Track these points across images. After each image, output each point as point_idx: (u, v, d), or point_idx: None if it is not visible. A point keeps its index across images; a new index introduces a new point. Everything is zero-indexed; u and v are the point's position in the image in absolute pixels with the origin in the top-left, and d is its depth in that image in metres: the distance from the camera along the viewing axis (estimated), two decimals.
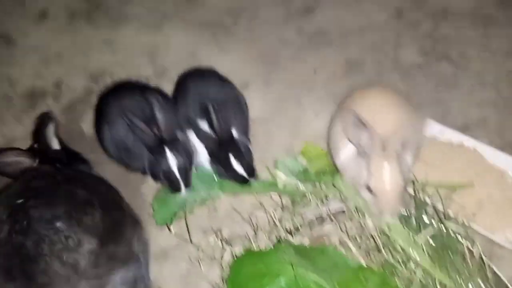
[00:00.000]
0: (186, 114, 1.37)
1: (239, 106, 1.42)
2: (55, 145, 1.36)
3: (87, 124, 1.62)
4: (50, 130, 1.36)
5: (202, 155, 1.34)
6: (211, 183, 1.38)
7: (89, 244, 0.98)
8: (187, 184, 1.31)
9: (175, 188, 1.31)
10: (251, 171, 1.30)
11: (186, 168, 1.31)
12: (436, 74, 1.64)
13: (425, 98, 1.56)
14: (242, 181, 1.30)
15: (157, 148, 1.27)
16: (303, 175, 1.36)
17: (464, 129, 1.44)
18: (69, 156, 1.39)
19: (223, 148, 1.27)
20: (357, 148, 1.13)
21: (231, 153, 1.26)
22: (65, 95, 1.71)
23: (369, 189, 1.11)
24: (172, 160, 1.28)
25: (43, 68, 1.80)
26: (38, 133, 1.34)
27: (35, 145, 1.33)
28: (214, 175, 1.38)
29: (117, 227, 1.07)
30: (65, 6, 2.02)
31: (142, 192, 1.45)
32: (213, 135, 1.28)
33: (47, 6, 2.02)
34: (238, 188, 1.34)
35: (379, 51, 1.75)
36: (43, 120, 1.38)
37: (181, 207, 1.34)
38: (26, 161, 1.23)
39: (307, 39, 1.83)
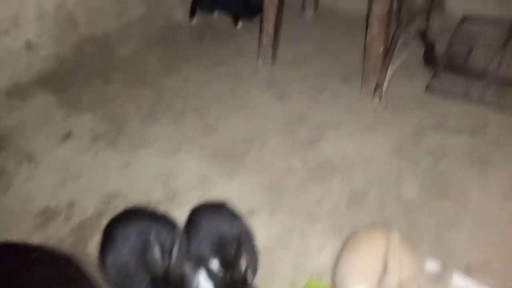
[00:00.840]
0: (198, 251, 1.39)
1: (250, 243, 1.44)
2: None
3: (93, 246, 1.64)
4: None
5: None
6: None
7: None
8: None
9: None
10: None
11: None
12: (437, 212, 1.68)
13: (427, 237, 1.58)
14: None
15: (160, 282, 1.28)
16: None
17: (467, 271, 1.43)
18: None
19: None
20: None
21: None
22: (76, 216, 1.76)
23: None
24: None
25: (59, 187, 1.88)
26: None
27: None
28: None
29: None
30: (90, 128, 2.19)
31: None
32: (226, 276, 1.28)
33: (73, 128, 2.20)
34: None
35: (381, 184, 1.82)
36: None
37: None
38: None
39: (312, 169, 1.92)
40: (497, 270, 1.46)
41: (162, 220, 1.48)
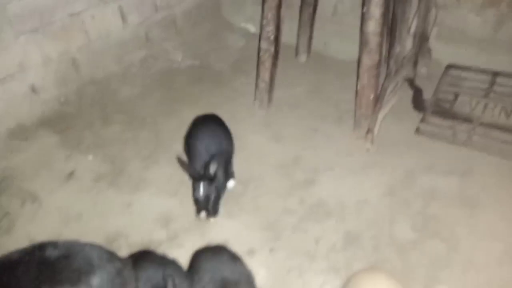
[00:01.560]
0: None
1: (251, 285, 1.48)
2: None
3: None
4: None
5: None
6: None
7: None
8: None
9: None
10: None
11: None
12: (429, 252, 1.74)
13: (420, 276, 1.64)
14: None
15: None
16: None
17: None
18: None
19: None
20: None
21: None
22: None
23: None
24: None
25: (62, 228, 1.92)
26: None
27: None
28: None
29: None
30: (92, 169, 2.25)
31: None
32: None
33: (76, 168, 2.26)
34: None
35: (375, 225, 1.89)
36: None
37: None
38: None
39: (308, 209, 1.99)
40: None
41: (171, 266, 1.52)
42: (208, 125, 2.09)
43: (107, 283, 1.29)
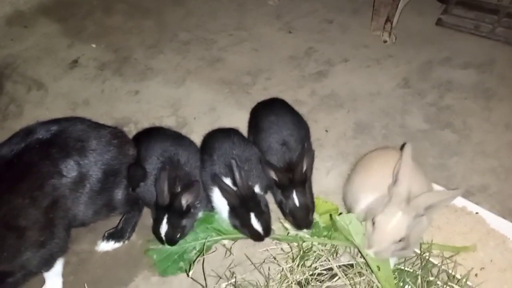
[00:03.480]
0: (212, 171, 1.43)
1: (260, 165, 1.49)
2: None
3: None
4: None
5: (223, 207, 1.39)
6: (206, 228, 1.45)
7: None
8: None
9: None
10: (268, 230, 1.34)
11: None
12: (440, 141, 1.72)
13: (430, 163, 1.64)
14: (257, 238, 1.34)
15: (163, 209, 1.35)
16: (313, 227, 1.41)
17: (466, 194, 1.50)
18: None
19: (245, 205, 1.32)
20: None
21: (252, 212, 1.31)
22: None
23: (373, 222, 1.17)
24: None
25: (70, 113, 1.90)
26: None
27: None
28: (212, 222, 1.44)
29: None
30: (95, 57, 2.18)
31: None
32: (236, 191, 1.34)
33: (79, 56, 2.18)
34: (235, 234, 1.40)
35: (386, 116, 1.85)
36: None
37: (181, 257, 1.39)
38: None
39: (319, 101, 1.95)
40: (494, 194, 1.53)
41: (185, 141, 1.54)
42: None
43: (105, 145, 1.34)
